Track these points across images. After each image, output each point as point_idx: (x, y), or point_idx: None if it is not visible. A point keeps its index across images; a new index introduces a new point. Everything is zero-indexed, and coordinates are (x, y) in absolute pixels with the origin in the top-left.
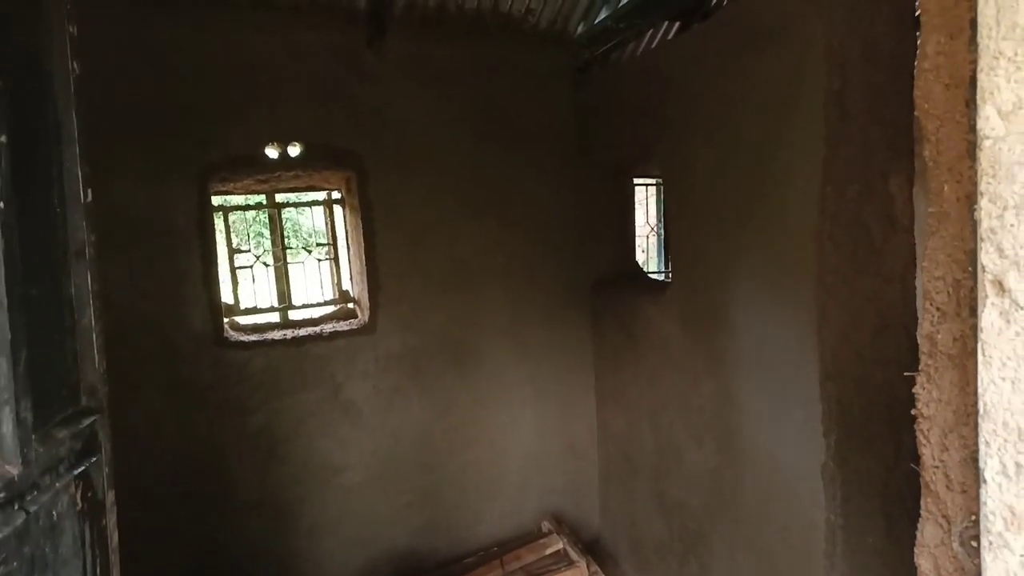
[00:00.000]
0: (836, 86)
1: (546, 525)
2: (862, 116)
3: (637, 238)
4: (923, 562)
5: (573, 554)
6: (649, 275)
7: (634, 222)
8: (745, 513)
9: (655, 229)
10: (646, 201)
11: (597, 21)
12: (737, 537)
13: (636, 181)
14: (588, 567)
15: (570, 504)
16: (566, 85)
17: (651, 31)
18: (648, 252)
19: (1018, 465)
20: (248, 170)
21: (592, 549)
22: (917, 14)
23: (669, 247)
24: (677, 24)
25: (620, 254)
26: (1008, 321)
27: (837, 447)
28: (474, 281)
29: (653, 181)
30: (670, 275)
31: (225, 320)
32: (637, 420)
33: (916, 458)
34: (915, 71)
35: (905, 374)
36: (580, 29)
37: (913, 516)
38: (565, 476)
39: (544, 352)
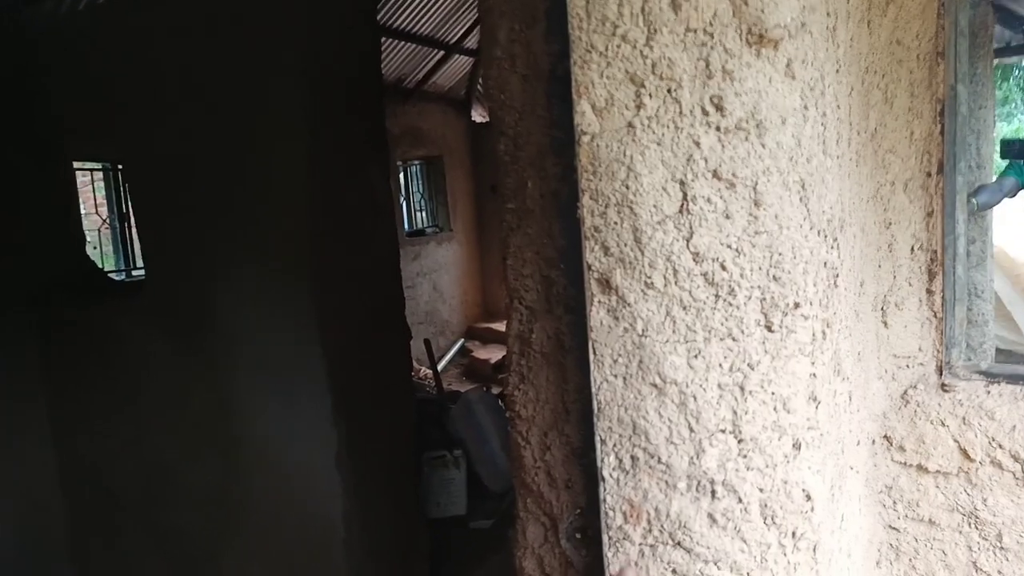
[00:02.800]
0: (314, 74)
1: None
2: (339, 106)
3: (88, 232)
4: (527, 563)
5: None
6: (109, 275)
7: (80, 213)
8: (257, 523)
9: (108, 221)
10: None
11: None
12: (250, 550)
13: (80, 165)
14: None
15: (31, 572)
16: None
17: None
18: (102, 248)
19: (634, 458)
20: None
21: None
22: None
23: (139, 243)
24: None
25: (69, 253)
26: (616, 318)
27: (349, 435)
28: None
29: (100, 165)
30: (143, 275)
31: None
32: (117, 448)
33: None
34: (484, 57)
35: (500, 377)
36: None
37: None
38: (17, 540)
39: None
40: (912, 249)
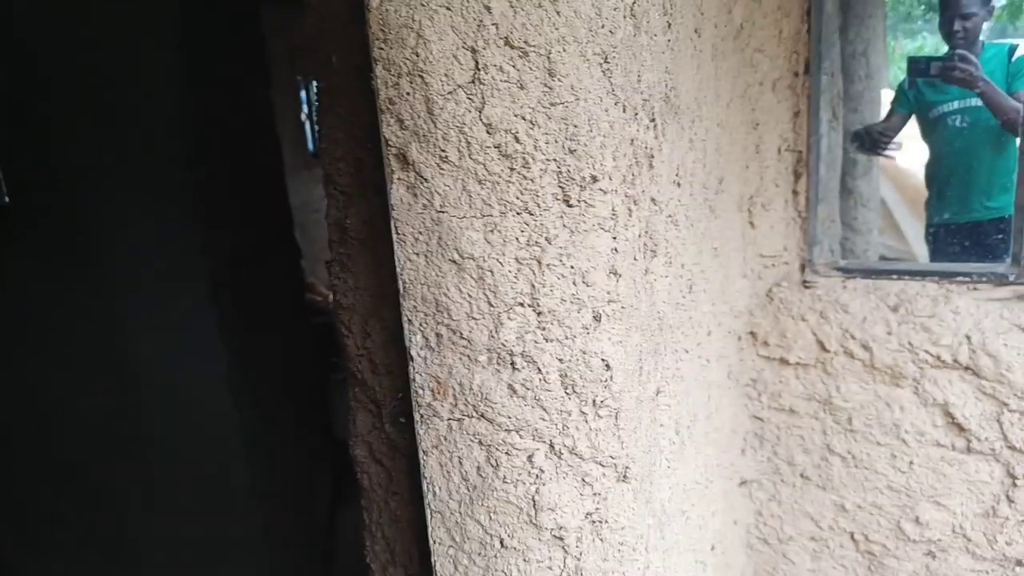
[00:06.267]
0: None
1: None
2: (212, 9)
3: None
4: (359, 452)
5: None
6: None
7: None
8: (155, 449)
9: None
10: None
11: None
12: (151, 476)
13: None
14: None
15: None
16: None
17: None
18: None
19: (438, 336)
20: None
21: None
22: None
23: None
24: None
25: None
26: (415, 195)
27: (242, 355)
28: None
29: None
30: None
31: None
32: (9, 385)
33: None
34: None
35: (326, 261)
36: None
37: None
38: None
39: None
40: (779, 150)
